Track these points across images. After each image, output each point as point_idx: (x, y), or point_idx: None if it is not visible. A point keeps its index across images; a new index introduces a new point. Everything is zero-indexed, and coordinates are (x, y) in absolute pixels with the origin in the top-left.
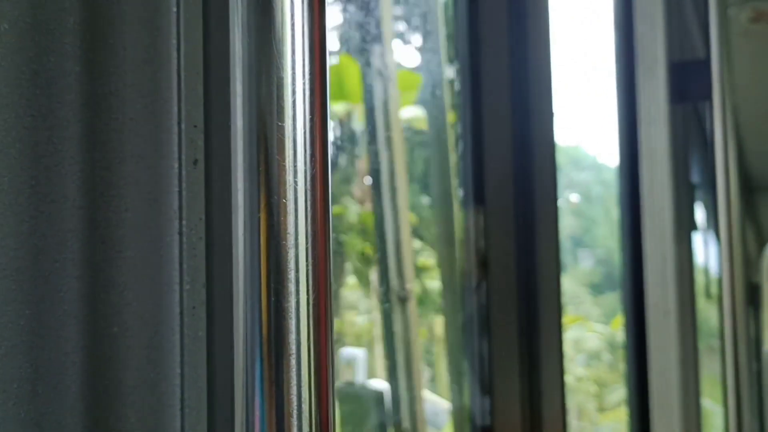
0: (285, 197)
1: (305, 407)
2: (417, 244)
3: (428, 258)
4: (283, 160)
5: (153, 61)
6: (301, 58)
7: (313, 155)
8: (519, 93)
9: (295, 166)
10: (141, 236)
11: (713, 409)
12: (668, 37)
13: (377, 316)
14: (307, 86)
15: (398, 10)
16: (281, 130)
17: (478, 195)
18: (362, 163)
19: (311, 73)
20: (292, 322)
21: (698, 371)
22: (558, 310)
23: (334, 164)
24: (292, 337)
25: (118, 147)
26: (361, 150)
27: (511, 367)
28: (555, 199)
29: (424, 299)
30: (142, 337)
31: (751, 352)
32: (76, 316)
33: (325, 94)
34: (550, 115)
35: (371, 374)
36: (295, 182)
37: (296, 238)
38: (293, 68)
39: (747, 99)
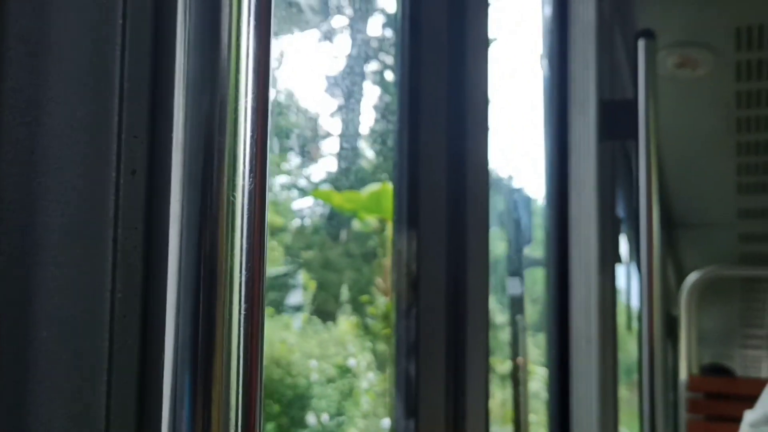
0: (223, 210)
1: (232, 415)
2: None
3: None
4: (223, 174)
5: (96, 71)
6: (244, 76)
7: (252, 170)
8: (455, 119)
9: (234, 181)
10: (75, 242)
11: None
12: (600, 76)
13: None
14: (250, 104)
15: None
16: (221, 144)
17: (411, 219)
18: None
19: (255, 91)
20: (224, 332)
21: (617, 399)
22: (485, 335)
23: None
24: (224, 347)
25: (57, 153)
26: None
27: (438, 390)
28: (486, 226)
29: None
30: (71, 343)
31: (668, 382)
32: (5, 317)
33: (266, 112)
34: (485, 143)
35: None
36: (233, 196)
37: (232, 250)
38: (236, 85)
39: (670, 139)
